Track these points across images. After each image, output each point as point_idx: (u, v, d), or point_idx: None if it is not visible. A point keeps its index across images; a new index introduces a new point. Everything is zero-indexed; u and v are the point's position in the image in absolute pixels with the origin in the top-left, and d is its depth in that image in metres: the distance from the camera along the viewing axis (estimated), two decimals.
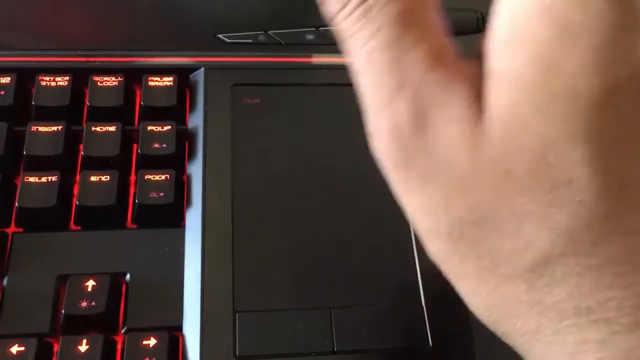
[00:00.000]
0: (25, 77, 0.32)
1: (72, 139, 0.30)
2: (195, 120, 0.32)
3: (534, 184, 0.16)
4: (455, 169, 0.17)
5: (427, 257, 0.28)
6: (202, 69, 0.33)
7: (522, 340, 0.18)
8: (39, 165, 0.29)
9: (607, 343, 0.16)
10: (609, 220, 0.16)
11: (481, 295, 0.18)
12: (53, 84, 0.32)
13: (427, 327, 0.27)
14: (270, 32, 0.35)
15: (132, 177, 0.30)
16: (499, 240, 0.17)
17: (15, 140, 0.30)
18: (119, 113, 0.32)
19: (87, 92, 0.32)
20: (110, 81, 0.32)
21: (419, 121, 0.17)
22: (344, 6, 0.18)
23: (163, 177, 0.30)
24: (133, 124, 0.32)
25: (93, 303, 0.26)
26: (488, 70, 0.17)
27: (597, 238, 0.16)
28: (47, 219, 0.28)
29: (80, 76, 0.32)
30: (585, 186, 0.16)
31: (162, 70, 0.33)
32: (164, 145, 0.30)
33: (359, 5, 0.17)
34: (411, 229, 0.29)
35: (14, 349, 0.25)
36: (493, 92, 0.17)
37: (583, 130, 0.16)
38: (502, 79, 0.17)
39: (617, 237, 0.16)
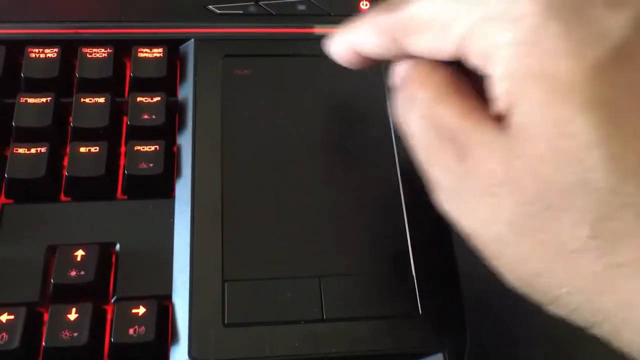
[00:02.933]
0: (14, 49, 0.32)
1: (61, 110, 0.30)
2: (185, 92, 0.32)
3: (561, 157, 0.18)
4: (497, 178, 0.20)
5: (417, 226, 0.28)
6: (192, 40, 0.33)
7: (616, 318, 0.19)
8: (28, 136, 0.29)
9: None
10: None
11: (568, 285, 0.19)
12: (42, 55, 0.32)
13: (417, 296, 0.27)
14: (261, 2, 0.34)
15: (122, 149, 0.30)
16: (555, 220, 0.19)
17: (5, 112, 0.30)
18: (109, 85, 0.31)
19: (77, 63, 0.32)
20: (100, 53, 0.32)
21: (461, 155, 0.21)
22: (401, 100, 0.24)
23: (153, 148, 0.29)
24: (123, 95, 0.32)
25: (82, 272, 0.26)
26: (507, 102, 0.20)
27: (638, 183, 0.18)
28: (37, 190, 0.28)
29: (70, 48, 0.32)
30: (607, 145, 0.18)
31: (152, 42, 0.33)
32: (154, 117, 0.30)
33: (407, 99, 0.24)
34: (402, 201, 0.29)
35: (4, 318, 0.25)
36: (514, 112, 0.20)
37: (585, 103, 0.18)
38: (515, 102, 0.20)
39: None
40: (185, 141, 0.30)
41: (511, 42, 0.20)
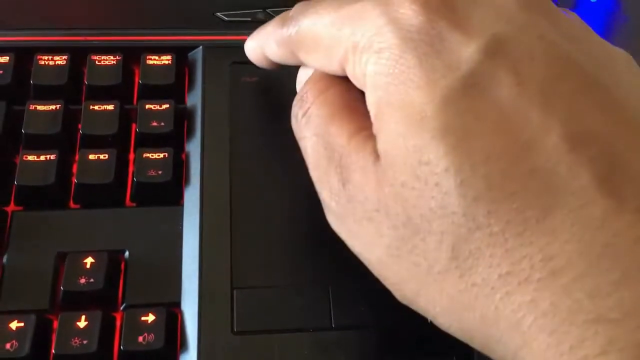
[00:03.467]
0: (23, 56, 0.32)
1: (70, 117, 0.30)
2: (194, 99, 0.32)
3: (420, 184, 0.19)
4: (372, 204, 0.21)
5: None
6: (201, 47, 0.33)
7: (480, 333, 0.19)
8: (38, 144, 0.29)
9: (536, 301, 0.18)
10: (491, 191, 0.18)
11: (439, 304, 0.20)
12: (51, 63, 0.32)
13: None
14: (269, 9, 0.34)
15: (131, 156, 0.30)
16: (423, 243, 0.20)
17: (14, 119, 0.30)
18: (117, 92, 0.32)
19: (86, 71, 0.32)
20: (109, 60, 0.32)
21: (344, 179, 0.22)
22: (295, 116, 0.25)
23: (161, 155, 0.30)
24: (131, 102, 0.32)
25: (92, 280, 0.26)
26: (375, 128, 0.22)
27: (488, 209, 0.18)
28: (46, 197, 0.29)
29: (79, 55, 0.32)
30: (457, 171, 0.19)
31: (160, 49, 0.33)
32: (162, 124, 0.30)
33: (302, 116, 0.24)
34: None
35: (14, 325, 0.25)
36: (379, 139, 0.21)
37: (436, 132, 0.19)
38: (380, 129, 0.21)
39: (503, 203, 0.18)
40: (193, 148, 0.30)
41: (375, 72, 0.21)
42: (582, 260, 0.17)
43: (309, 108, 0.24)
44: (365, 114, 0.22)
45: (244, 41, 0.34)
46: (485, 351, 0.20)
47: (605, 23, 0.40)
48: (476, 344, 0.20)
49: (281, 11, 0.34)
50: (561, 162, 0.18)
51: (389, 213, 0.20)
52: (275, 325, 0.26)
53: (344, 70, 0.23)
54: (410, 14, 0.21)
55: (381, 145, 0.21)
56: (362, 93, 0.23)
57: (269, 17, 0.34)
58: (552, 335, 0.17)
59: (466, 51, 0.20)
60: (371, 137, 0.22)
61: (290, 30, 0.25)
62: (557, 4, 0.38)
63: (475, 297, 0.19)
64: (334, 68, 0.23)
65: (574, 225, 0.18)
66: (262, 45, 0.28)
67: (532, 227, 0.18)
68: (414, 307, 0.21)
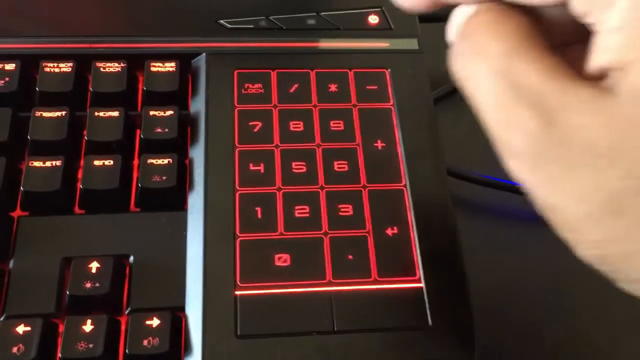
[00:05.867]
0: (29, 63, 0.32)
1: (75, 124, 0.31)
2: (197, 105, 0.32)
3: None
4: (599, 148, 0.18)
5: (426, 237, 0.28)
6: (204, 54, 0.33)
7: None
8: (44, 150, 0.30)
9: None
10: None
11: None
12: (57, 70, 0.32)
13: (427, 307, 0.27)
14: (272, 17, 0.35)
15: (135, 162, 0.31)
16: None
17: (20, 125, 0.31)
18: (122, 98, 0.32)
19: (90, 78, 0.32)
20: (113, 67, 0.32)
21: (548, 120, 0.19)
22: (461, 53, 0.21)
23: (165, 161, 0.30)
24: (136, 109, 0.32)
25: (97, 284, 0.27)
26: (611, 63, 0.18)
27: None
28: (52, 202, 0.29)
29: (84, 62, 0.32)
30: None
31: (164, 56, 0.33)
32: (167, 130, 0.31)
33: (473, 52, 0.20)
34: (411, 213, 0.29)
35: (20, 329, 0.25)
36: (629, 76, 0.18)
37: None
38: (629, 71, 0.18)
39: None
40: (197, 154, 0.31)
41: None
42: None
43: (484, 40, 0.20)
44: (556, 52, 0.19)
45: (246, 48, 0.34)
46: None
47: None
48: None
49: (284, 18, 0.35)
50: None
51: (625, 159, 0.17)
52: (278, 329, 0.26)
53: None
54: None
55: (633, 78, 0.18)
56: (538, 28, 0.20)
57: (271, 25, 0.35)
58: None
59: None
60: (578, 77, 0.19)
61: None
62: None
63: None
64: None
65: None
66: None
67: None
68: (609, 268, 0.19)
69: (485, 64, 0.20)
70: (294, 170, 0.30)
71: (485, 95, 0.20)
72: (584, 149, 0.18)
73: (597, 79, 0.19)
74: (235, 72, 0.33)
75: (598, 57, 0.19)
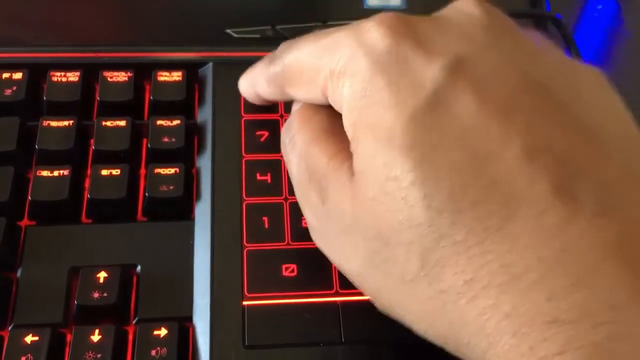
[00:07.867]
0: (37, 72, 0.32)
1: (83, 133, 0.31)
2: (204, 115, 0.32)
3: (389, 198, 0.21)
4: (347, 219, 0.22)
5: None
6: (211, 63, 0.33)
7: (451, 337, 0.20)
8: (51, 159, 0.30)
9: (498, 304, 0.19)
10: (453, 202, 0.19)
11: (413, 311, 0.21)
12: (64, 79, 0.32)
13: None
14: (278, 27, 0.35)
15: (142, 171, 0.31)
16: (394, 254, 0.21)
17: (28, 135, 0.31)
18: (129, 108, 0.32)
19: (98, 87, 0.32)
20: (120, 76, 0.33)
21: (323, 197, 0.24)
22: (283, 141, 0.27)
23: (172, 170, 0.30)
24: (143, 118, 0.32)
25: (105, 294, 0.27)
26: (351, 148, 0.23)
27: (452, 219, 0.19)
28: (59, 212, 0.29)
29: (91, 72, 0.33)
30: (421, 184, 0.20)
31: (171, 65, 0.33)
32: (173, 140, 0.31)
33: (289, 141, 0.26)
34: None
35: (28, 339, 0.25)
36: (354, 158, 0.23)
37: (403, 149, 0.20)
38: (355, 149, 0.22)
39: (464, 213, 0.19)
40: (204, 163, 0.31)
41: (350, 95, 0.22)
42: (540, 265, 0.18)
43: (294, 134, 0.26)
44: (345, 137, 0.23)
45: (253, 57, 0.34)
46: (458, 354, 0.21)
47: (607, 39, 0.41)
48: (450, 347, 0.21)
49: (289, 28, 0.35)
50: (520, 173, 0.19)
51: (362, 227, 0.22)
52: (285, 339, 0.26)
53: (326, 97, 0.24)
54: (377, 38, 0.22)
55: (356, 163, 0.22)
56: (337, 118, 0.24)
57: (277, 34, 0.35)
58: (515, 336, 0.18)
59: (430, 71, 0.21)
60: (348, 157, 0.23)
61: (277, 67, 0.26)
62: (560, 18, 0.38)
63: (444, 303, 0.20)
64: (318, 96, 0.25)
65: (532, 232, 0.19)
66: (254, 84, 0.29)
67: (493, 235, 0.19)
68: (392, 315, 0.23)
69: (295, 149, 0.25)
70: None
71: (293, 176, 0.26)
72: (340, 220, 0.23)
73: None
74: None
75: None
